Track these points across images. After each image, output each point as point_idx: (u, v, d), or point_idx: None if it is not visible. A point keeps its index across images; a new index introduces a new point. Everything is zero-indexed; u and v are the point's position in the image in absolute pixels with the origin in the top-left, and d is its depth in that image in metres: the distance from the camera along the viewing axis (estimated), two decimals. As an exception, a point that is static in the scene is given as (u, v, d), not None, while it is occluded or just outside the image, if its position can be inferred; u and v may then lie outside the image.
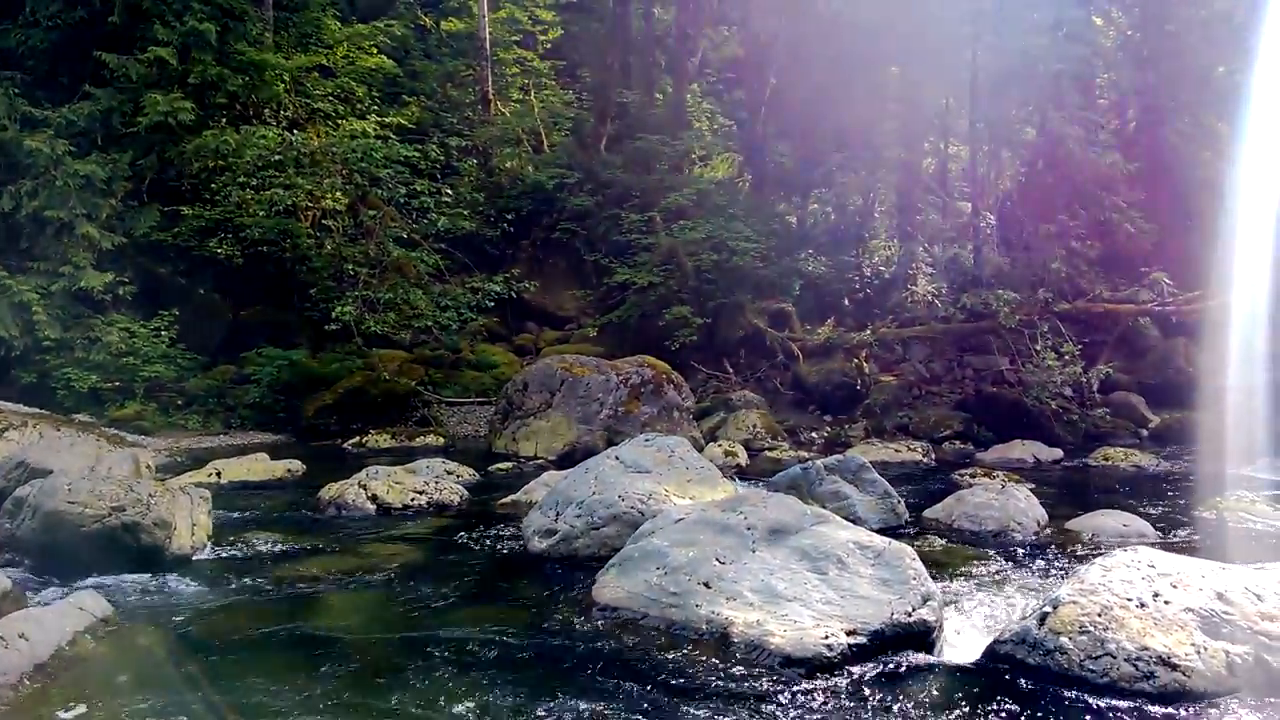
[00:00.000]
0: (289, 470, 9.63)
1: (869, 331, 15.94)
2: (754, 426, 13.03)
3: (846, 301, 17.95)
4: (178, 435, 12.54)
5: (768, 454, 12.04)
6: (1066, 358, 13.57)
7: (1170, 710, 3.54)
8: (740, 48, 22.45)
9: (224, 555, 6.22)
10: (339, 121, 15.93)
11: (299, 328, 14.91)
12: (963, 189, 20.66)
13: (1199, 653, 3.72)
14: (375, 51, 18.05)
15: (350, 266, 14.35)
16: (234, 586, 5.48)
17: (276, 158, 14.15)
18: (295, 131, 15.04)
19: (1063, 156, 16.01)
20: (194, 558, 6.01)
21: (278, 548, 6.46)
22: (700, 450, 10.50)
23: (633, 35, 21.29)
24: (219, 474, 9.16)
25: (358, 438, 12.33)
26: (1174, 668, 3.66)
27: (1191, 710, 3.55)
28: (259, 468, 9.53)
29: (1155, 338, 16.59)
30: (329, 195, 14.60)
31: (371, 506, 7.77)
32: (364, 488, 7.97)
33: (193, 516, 6.22)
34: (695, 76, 22.08)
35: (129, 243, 14.10)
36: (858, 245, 19.14)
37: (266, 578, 5.66)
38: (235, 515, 7.51)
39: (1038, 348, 13.77)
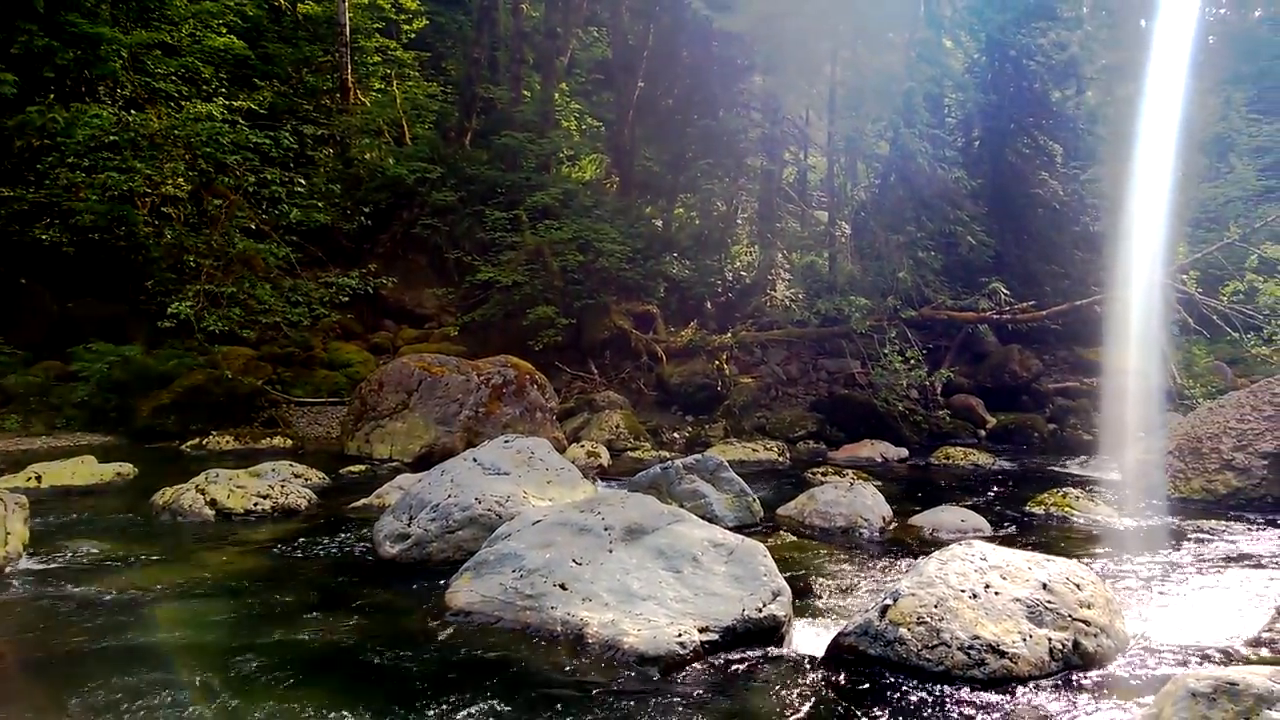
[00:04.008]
0: (119, 473, 9.05)
1: (730, 334, 16.30)
2: (617, 427, 13.08)
3: (709, 305, 18.27)
4: (-7, 436, 11.53)
5: (630, 454, 12.12)
6: (912, 362, 14.26)
7: (998, 694, 3.73)
8: (609, 49, 22.50)
9: (42, 566, 5.76)
10: (183, 103, 14.98)
11: (134, 322, 13.92)
12: (820, 199, 21.40)
13: (1025, 640, 3.93)
14: (224, 31, 17.12)
15: (192, 258, 13.51)
16: (52, 599, 5.07)
17: (111, 139, 13.16)
18: (133, 112, 14.06)
19: (912, 171, 16.79)
20: (7, 569, 5.54)
21: (103, 557, 6.02)
22: (563, 451, 10.46)
23: (500, 30, 21.03)
24: (39, 478, 8.52)
25: (198, 439, 11.65)
26: (1002, 655, 3.85)
27: (1017, 693, 3.75)
28: (85, 471, 8.89)
29: (993, 344, 17.65)
30: (170, 181, 13.69)
31: (210, 512, 7.35)
32: (202, 492, 7.53)
33: (6, 525, 5.72)
34: (564, 76, 22.01)
35: (-63, 225, 12.87)
36: (721, 250, 19.52)
37: (89, 589, 5.25)
38: (56, 522, 7.00)
39: (886, 352, 14.40)
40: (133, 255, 14.03)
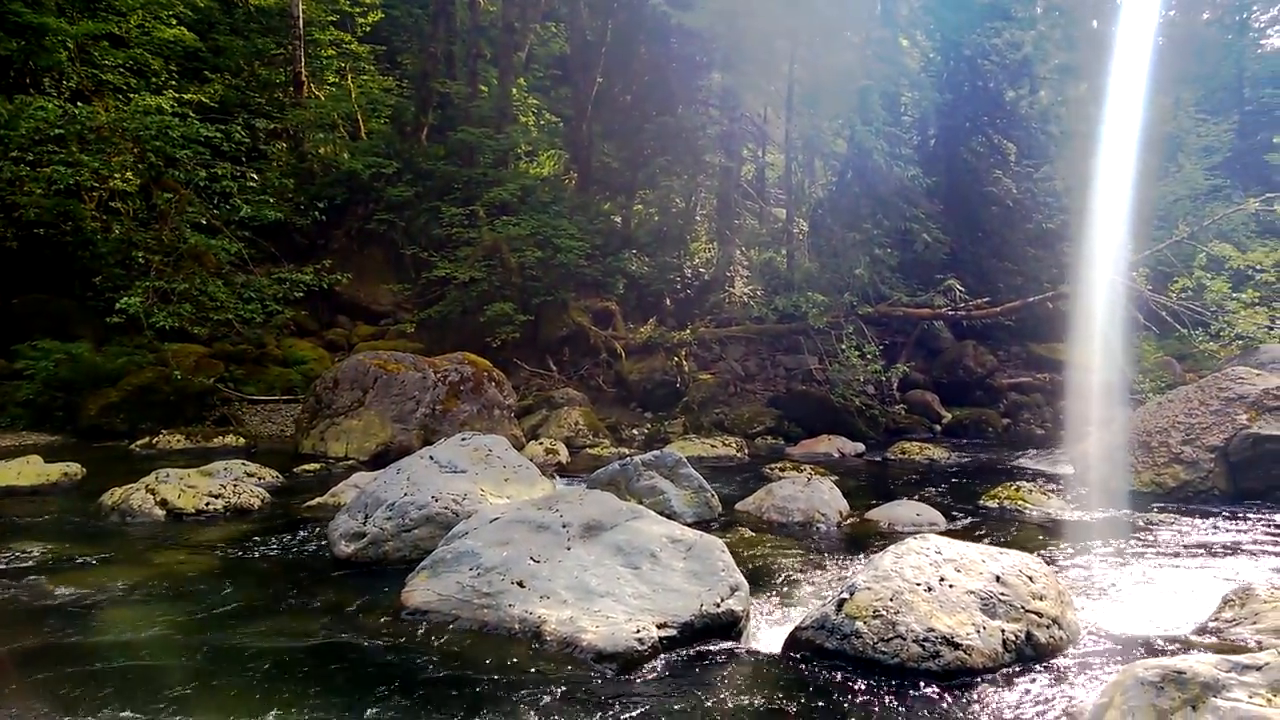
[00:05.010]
0: (66, 473, 8.83)
1: (689, 331, 16.32)
2: (576, 424, 13.04)
3: (668, 301, 18.30)
4: (-68, 436, 11.20)
5: (589, 451, 12.09)
6: (869, 357, 14.40)
7: (952, 686, 3.76)
8: (567, 45, 22.41)
9: (-18, 568, 5.58)
10: (131, 96, 14.64)
11: (81, 319, 13.60)
12: (778, 196, 21.51)
13: (979, 632, 3.97)
14: (174, 22, 16.76)
15: (141, 254, 13.22)
16: (-6, 602, 4.92)
17: (57, 131, 12.82)
18: (80, 104, 13.71)
19: (869, 169, 16.95)
20: (-54, 572, 5.37)
21: (50, 559, 5.86)
22: (521, 449, 10.40)
23: (457, 24, 20.84)
24: (-19, 479, 8.28)
25: (147, 438, 11.41)
26: (956, 646, 3.89)
27: (971, 685, 3.78)
28: (30, 471, 8.67)
29: (948, 340, 17.89)
30: (118, 175, 13.39)
31: (161, 512, 7.20)
32: (152, 492, 7.36)
33: (-55, 527, 5.55)
34: (521, 71, 21.88)
35: (-127, 219, 12.45)
36: (680, 247, 19.56)
37: (35, 591, 5.11)
38: (0, 524, 6.80)
39: (843, 348, 14.53)
40: (80, 250, 13.72)
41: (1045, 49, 19.57)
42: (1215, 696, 2.97)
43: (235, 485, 7.82)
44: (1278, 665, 3.05)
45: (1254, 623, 4.33)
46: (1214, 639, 4.33)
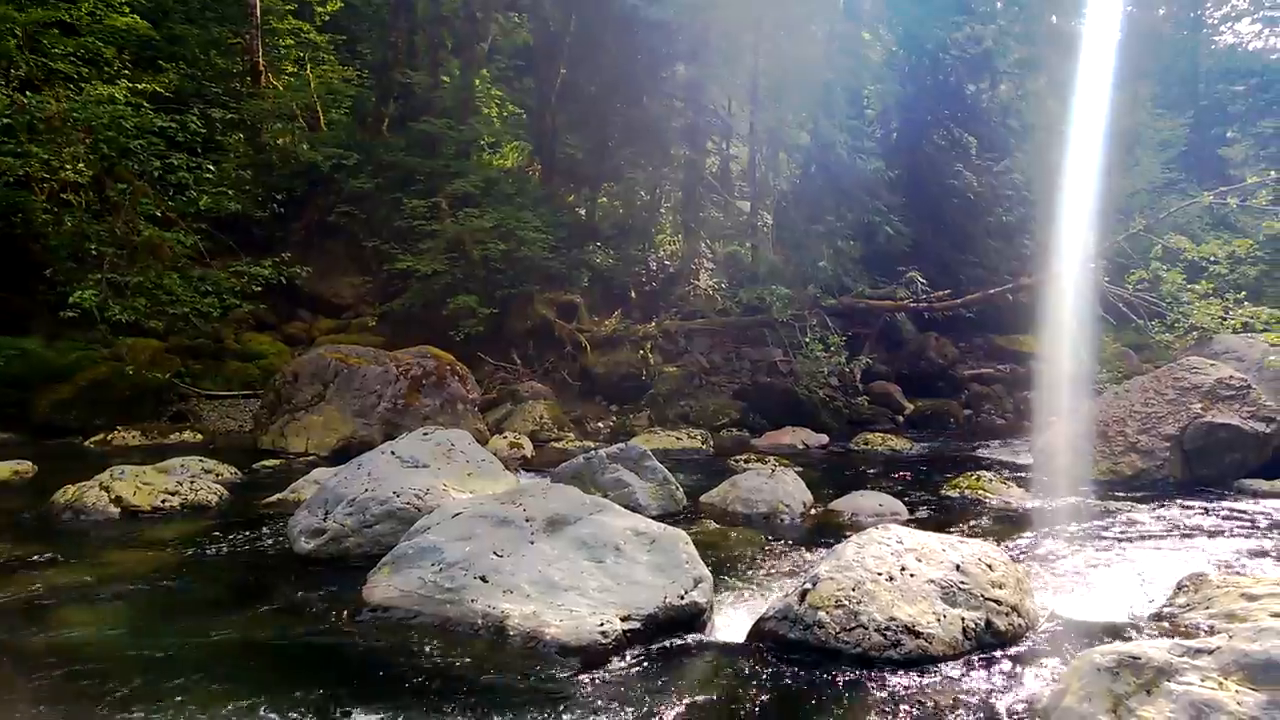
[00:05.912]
0: (16, 472, 8.64)
1: (654, 324, 16.32)
2: (541, 417, 12.99)
3: (633, 294, 18.28)
4: (-124, 435, 10.87)
5: (554, 445, 12.04)
6: (832, 350, 14.50)
7: (913, 674, 3.79)
8: (531, 35, 22.24)
9: (-71, 571, 5.43)
10: (83, 85, 14.29)
11: (32, 313, 13.27)
12: (742, 189, 21.56)
13: (939, 620, 4.01)
14: (127, 10, 16.34)
15: (94, 246, 12.92)
16: (-59, 605, 4.78)
17: (5, 121, 12.49)
18: (29, 93, 13.36)
19: (832, 161, 17.05)
20: (-110, 576, 5.20)
21: (0, 559, 5.70)
22: (485, 443, 10.33)
23: (418, 14, 20.60)
24: (-73, 478, 8.06)
25: (102, 435, 11.18)
26: (917, 635, 3.92)
27: (932, 673, 3.81)
28: (-22, 470, 8.46)
29: (910, 332, 18.07)
30: (69, 166, 13.04)
31: (115, 510, 7.04)
32: (106, 489, 7.20)
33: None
34: (484, 61, 21.69)
35: None
36: (644, 239, 19.53)
37: (-18, 593, 4.98)
38: (-56, 524, 6.61)
39: (807, 340, 14.61)
40: (30, 244, 13.37)
41: (1005, 44, 19.80)
42: (1169, 681, 3.01)
43: (192, 482, 7.68)
44: (1229, 649, 3.11)
45: (1207, 608, 4.41)
46: (1168, 624, 4.40)
